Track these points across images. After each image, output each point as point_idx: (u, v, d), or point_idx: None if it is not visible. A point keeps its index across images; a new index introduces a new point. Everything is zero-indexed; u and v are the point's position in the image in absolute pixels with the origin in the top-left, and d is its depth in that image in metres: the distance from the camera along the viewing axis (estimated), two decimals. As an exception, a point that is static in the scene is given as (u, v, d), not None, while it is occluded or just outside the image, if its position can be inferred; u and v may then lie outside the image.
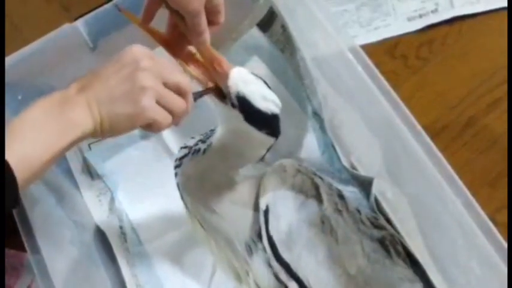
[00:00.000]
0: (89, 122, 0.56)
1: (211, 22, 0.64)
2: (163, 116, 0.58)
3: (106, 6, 0.82)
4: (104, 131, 0.58)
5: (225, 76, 0.63)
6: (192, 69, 0.65)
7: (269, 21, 0.90)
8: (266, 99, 0.64)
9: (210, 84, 0.65)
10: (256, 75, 0.65)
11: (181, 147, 0.75)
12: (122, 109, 0.57)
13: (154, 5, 0.64)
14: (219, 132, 0.70)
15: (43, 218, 0.75)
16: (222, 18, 0.65)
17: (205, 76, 0.65)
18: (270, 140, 0.67)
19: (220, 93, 0.65)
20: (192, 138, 0.75)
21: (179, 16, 0.63)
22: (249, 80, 0.64)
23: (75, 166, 0.93)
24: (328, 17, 0.75)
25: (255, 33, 0.91)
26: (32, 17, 1.04)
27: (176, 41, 0.66)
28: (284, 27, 0.88)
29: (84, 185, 0.93)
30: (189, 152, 0.73)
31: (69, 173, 0.92)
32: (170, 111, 0.59)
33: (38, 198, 0.77)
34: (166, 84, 0.58)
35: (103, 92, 0.57)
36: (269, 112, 0.65)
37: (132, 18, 0.65)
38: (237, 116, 0.64)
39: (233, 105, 0.64)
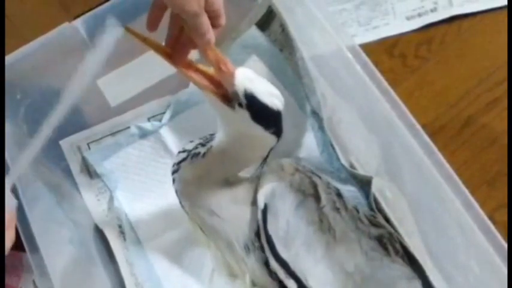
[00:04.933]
0: None
1: (213, 25, 0.64)
2: None
3: (105, 5, 0.81)
4: None
5: (231, 76, 0.64)
6: (194, 76, 0.66)
7: (268, 21, 0.90)
8: (272, 95, 0.66)
9: (214, 89, 0.66)
10: (257, 76, 0.66)
11: (179, 152, 0.76)
12: None
13: (159, 12, 0.65)
14: (219, 137, 0.70)
15: (42, 218, 0.75)
16: (223, 20, 0.66)
17: (208, 82, 0.66)
18: (273, 140, 0.68)
19: (225, 96, 0.65)
20: (191, 142, 0.75)
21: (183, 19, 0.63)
22: (254, 78, 0.65)
23: (74, 165, 0.93)
24: (327, 16, 0.75)
25: (254, 32, 0.91)
26: (30, 16, 1.03)
27: (176, 51, 0.66)
28: (283, 27, 0.88)
29: (83, 184, 0.92)
30: (187, 156, 0.74)
31: (68, 172, 0.92)
32: None
33: (36, 198, 0.77)
34: None
35: None
36: (275, 108, 0.66)
37: (135, 35, 0.65)
38: (243, 118, 0.65)
39: (240, 105, 0.64)
